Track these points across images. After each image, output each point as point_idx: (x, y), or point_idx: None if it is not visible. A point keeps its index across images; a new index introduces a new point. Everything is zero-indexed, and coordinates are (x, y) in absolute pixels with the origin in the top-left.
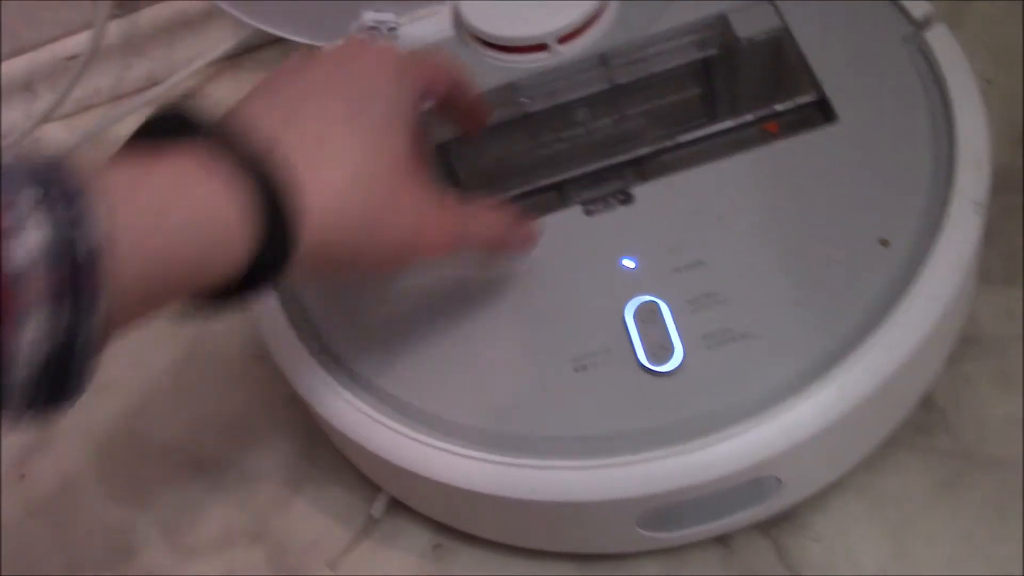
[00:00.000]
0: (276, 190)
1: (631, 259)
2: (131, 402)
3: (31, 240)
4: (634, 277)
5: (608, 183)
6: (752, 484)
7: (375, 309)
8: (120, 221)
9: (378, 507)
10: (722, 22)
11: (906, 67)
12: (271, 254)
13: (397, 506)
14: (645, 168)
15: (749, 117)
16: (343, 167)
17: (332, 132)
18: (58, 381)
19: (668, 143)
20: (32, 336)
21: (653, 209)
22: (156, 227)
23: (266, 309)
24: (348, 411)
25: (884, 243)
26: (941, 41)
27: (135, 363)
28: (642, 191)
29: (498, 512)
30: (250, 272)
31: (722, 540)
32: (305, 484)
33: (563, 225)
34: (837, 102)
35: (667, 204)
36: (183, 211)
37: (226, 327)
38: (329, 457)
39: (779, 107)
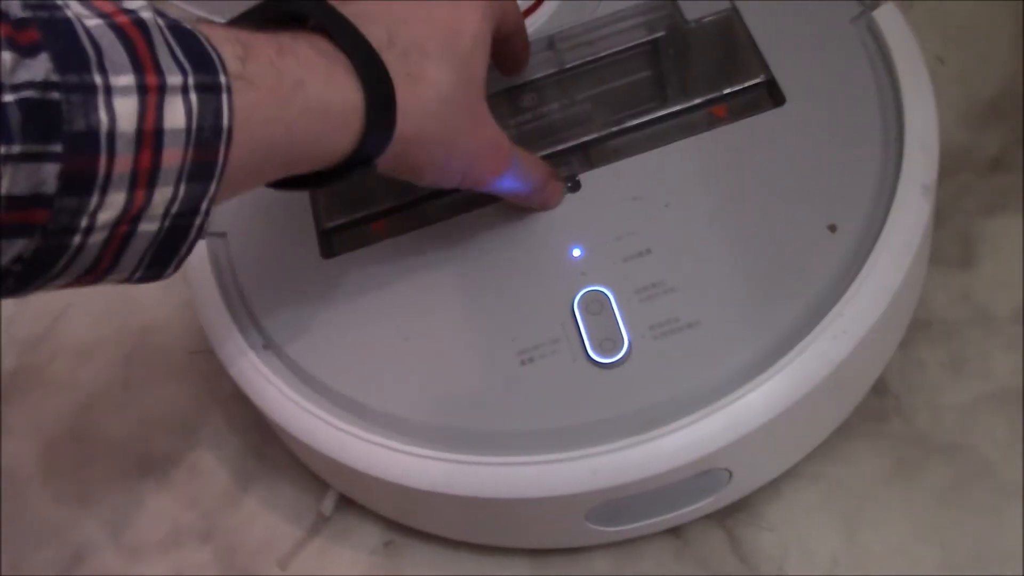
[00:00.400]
0: (387, 90)
1: (578, 248)
2: (77, 399)
3: (171, 114)
4: (581, 266)
5: (555, 170)
6: (702, 477)
7: (319, 304)
8: (249, 103)
9: (327, 504)
10: (670, 4)
11: (855, 48)
12: (368, 149)
13: (347, 502)
14: (592, 154)
15: (697, 100)
16: (434, 88)
17: (427, 55)
18: (166, 247)
19: (615, 128)
20: (158, 200)
21: (600, 196)
22: (281, 112)
23: (208, 304)
24: (290, 408)
25: (832, 228)
26: (890, 21)
27: (81, 360)
28: (589, 178)
29: (444, 509)
30: (341, 163)
31: (675, 531)
32: (254, 481)
33: (509, 213)
34: (785, 84)
35: (614, 191)
36: (307, 98)
37: (172, 320)
38: (278, 452)
39: (727, 90)
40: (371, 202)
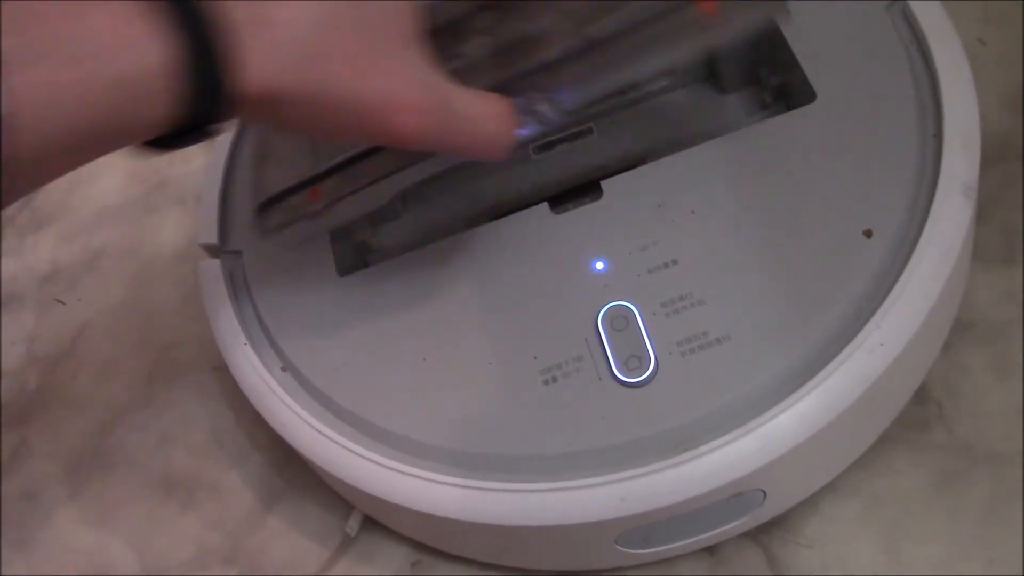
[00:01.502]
0: (212, 48)
1: (601, 260)
2: (99, 419)
3: None
4: (604, 280)
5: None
6: (735, 499)
7: (336, 323)
8: (35, 83)
9: (352, 525)
10: None
11: (889, 38)
12: (200, 116)
13: (373, 521)
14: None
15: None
16: (288, 33)
17: None
18: None
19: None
20: None
21: (622, 204)
22: (77, 89)
23: (224, 325)
24: (309, 432)
25: (868, 233)
26: (926, 7)
27: (101, 379)
28: (610, 184)
29: (470, 535)
30: (187, 124)
31: (710, 549)
32: (278, 500)
33: (530, 225)
34: (815, 78)
35: (637, 198)
36: (109, 69)
37: (193, 336)
38: (301, 470)
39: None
40: None
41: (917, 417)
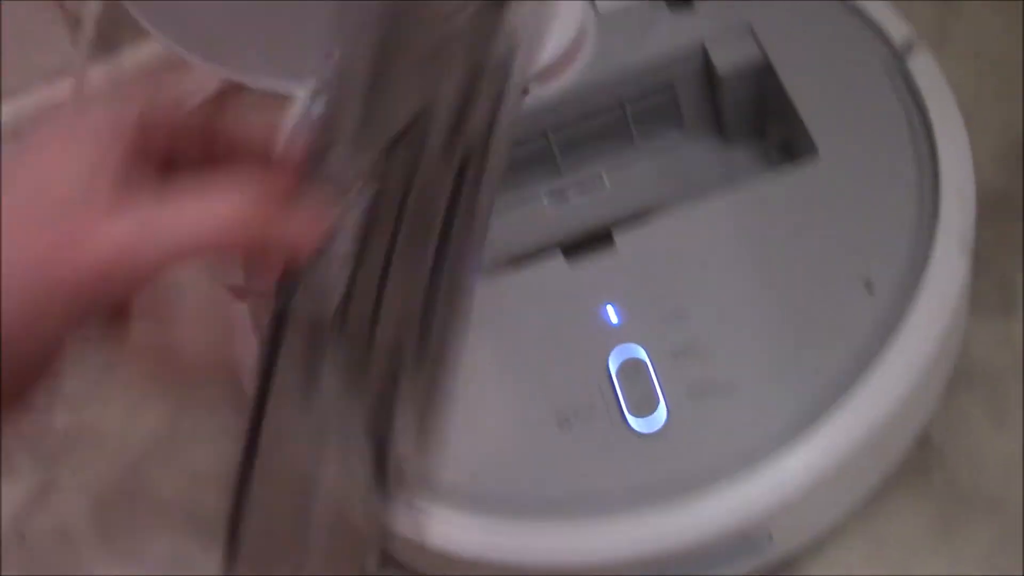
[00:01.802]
0: None
1: (614, 309)
2: (127, 457)
3: None
4: (616, 328)
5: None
6: (742, 541)
7: None
8: None
9: (371, 561)
10: (701, 54)
11: (888, 97)
12: None
13: (390, 558)
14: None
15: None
16: None
17: None
18: None
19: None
20: None
21: (635, 256)
22: None
23: (245, 362)
24: None
25: (868, 285)
26: (924, 68)
27: (130, 417)
28: (623, 236)
29: (484, 573)
30: None
31: None
32: None
33: (544, 275)
34: (817, 135)
35: (649, 250)
36: None
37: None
38: None
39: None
40: None
41: (919, 462)
